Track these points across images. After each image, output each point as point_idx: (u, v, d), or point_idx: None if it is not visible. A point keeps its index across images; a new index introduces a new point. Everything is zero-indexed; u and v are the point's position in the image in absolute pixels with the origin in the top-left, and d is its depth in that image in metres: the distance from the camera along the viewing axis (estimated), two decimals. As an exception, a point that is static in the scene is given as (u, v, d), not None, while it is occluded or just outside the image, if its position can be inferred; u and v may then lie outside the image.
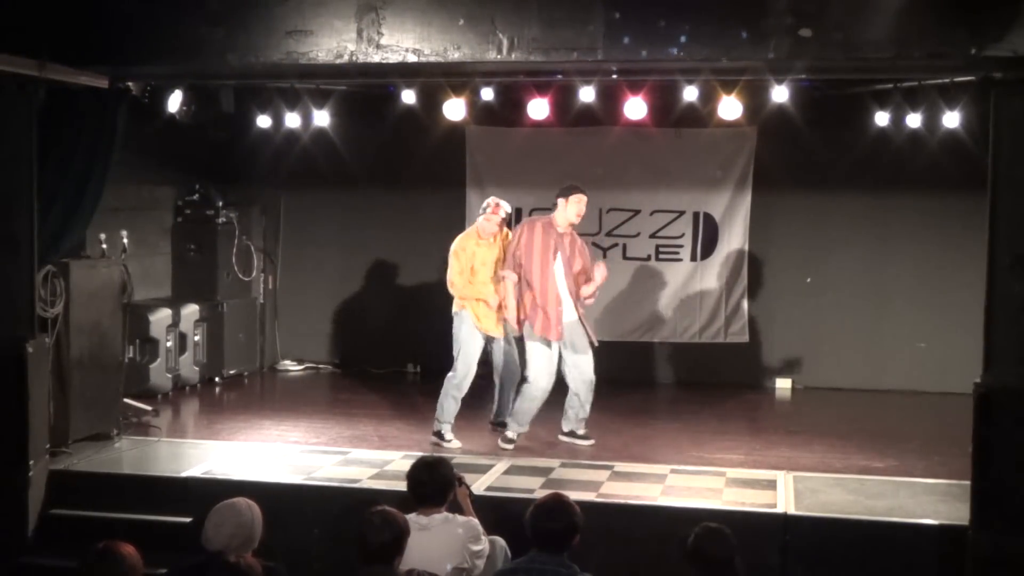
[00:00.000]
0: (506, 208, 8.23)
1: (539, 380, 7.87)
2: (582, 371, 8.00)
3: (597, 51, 6.38)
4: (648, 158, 10.91)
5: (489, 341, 8.16)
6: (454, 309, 8.13)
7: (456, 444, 7.92)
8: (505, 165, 11.09)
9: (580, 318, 7.99)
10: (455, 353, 8.06)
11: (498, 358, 8.26)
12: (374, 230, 11.36)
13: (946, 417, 8.84)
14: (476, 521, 5.38)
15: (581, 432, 8.11)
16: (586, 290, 7.97)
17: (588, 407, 8.09)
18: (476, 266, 8.07)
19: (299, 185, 11.58)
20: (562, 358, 7.97)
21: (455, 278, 8.06)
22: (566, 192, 8.00)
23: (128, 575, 4.06)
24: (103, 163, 7.52)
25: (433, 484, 5.29)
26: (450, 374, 8.04)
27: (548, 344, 7.87)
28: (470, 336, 8.05)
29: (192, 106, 8.78)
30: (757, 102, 9.12)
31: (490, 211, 8.11)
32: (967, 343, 7.18)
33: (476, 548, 5.24)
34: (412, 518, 4.93)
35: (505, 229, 8.25)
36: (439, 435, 7.96)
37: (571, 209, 7.94)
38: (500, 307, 8.02)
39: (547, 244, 7.85)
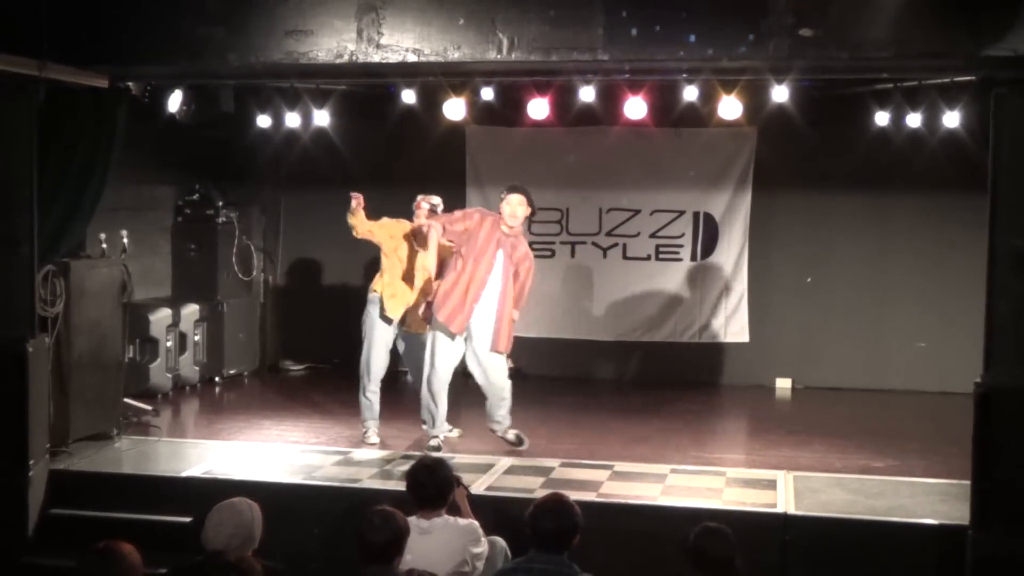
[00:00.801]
0: (431, 201, 8.14)
1: (439, 371, 7.66)
2: (487, 373, 7.74)
3: (597, 51, 6.39)
4: (648, 158, 10.92)
5: (398, 335, 8.18)
6: (369, 292, 8.19)
7: (375, 440, 7.97)
8: (505, 165, 11.09)
9: (500, 322, 7.67)
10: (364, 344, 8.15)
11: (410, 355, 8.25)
12: (374, 230, 11.35)
13: (946, 417, 8.84)
14: (476, 523, 5.37)
15: (509, 436, 7.85)
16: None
17: (503, 410, 7.82)
18: (401, 253, 8.09)
19: (299, 185, 11.58)
20: (471, 358, 7.77)
21: (368, 223, 8.09)
22: (503, 191, 7.80)
23: (128, 575, 4.06)
24: (103, 163, 7.52)
25: (433, 486, 5.27)
26: (361, 370, 8.13)
27: (451, 336, 7.63)
28: (375, 326, 8.08)
29: (192, 106, 8.78)
30: (757, 102, 9.12)
31: (414, 206, 8.16)
32: (967, 343, 7.19)
33: (476, 551, 5.24)
34: (413, 521, 4.92)
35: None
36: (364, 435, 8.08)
37: (504, 209, 7.68)
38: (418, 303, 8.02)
39: (491, 236, 7.61)
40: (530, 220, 8.34)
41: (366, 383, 8.10)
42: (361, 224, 8.11)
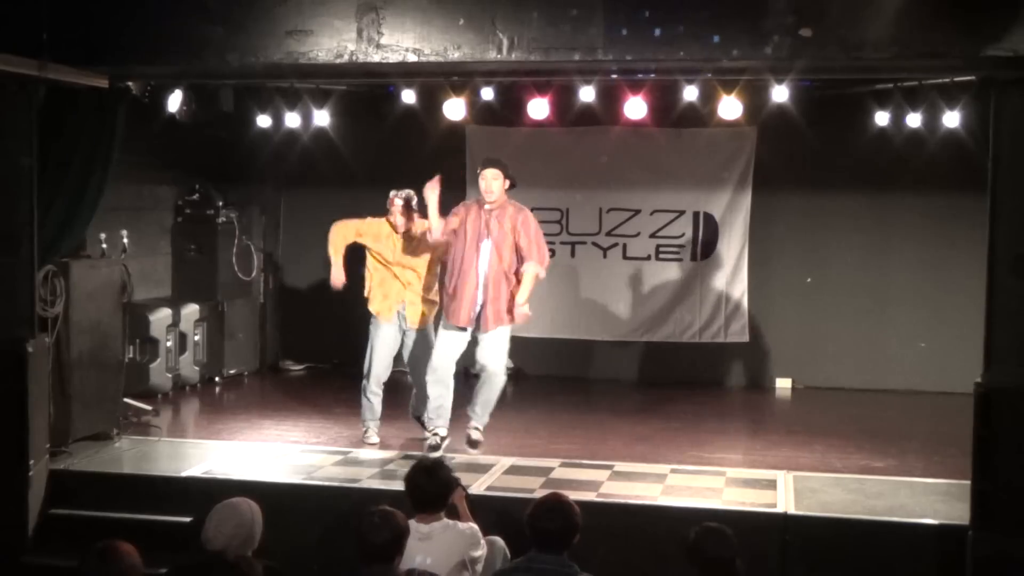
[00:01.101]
0: (403, 196, 8.06)
1: (434, 360, 7.59)
2: (481, 352, 7.58)
3: (597, 51, 6.38)
4: (648, 158, 10.92)
5: (406, 333, 8.15)
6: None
7: (374, 440, 7.99)
8: (505, 165, 11.09)
9: (492, 303, 7.47)
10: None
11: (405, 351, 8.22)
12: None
13: (946, 417, 8.84)
14: (476, 527, 5.36)
15: (472, 434, 7.60)
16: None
17: (479, 404, 7.57)
18: (387, 254, 8.04)
19: (299, 185, 11.58)
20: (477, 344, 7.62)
21: (341, 225, 8.15)
22: (479, 167, 7.72)
23: (128, 574, 4.06)
24: (103, 163, 7.52)
25: (432, 488, 5.25)
26: (364, 370, 8.13)
27: (458, 328, 7.55)
28: (377, 328, 8.08)
29: (192, 106, 8.79)
30: (757, 102, 9.13)
31: (388, 203, 8.10)
32: (967, 343, 7.19)
33: (476, 554, 5.23)
34: (412, 526, 4.91)
35: (424, 222, 8.05)
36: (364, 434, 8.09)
37: (480, 185, 7.60)
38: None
39: (477, 222, 7.54)
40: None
41: (367, 384, 8.10)
42: (344, 239, 8.13)
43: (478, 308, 7.51)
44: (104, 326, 8.05)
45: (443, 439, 7.64)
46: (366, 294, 8.14)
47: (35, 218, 7.03)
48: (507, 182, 7.60)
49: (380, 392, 8.11)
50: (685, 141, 10.83)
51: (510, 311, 7.54)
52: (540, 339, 11.07)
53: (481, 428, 7.64)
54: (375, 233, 8.13)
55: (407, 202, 8.07)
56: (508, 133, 10.94)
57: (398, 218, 8.07)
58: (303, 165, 11.08)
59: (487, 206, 7.56)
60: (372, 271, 8.15)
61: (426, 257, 8.04)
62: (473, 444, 7.64)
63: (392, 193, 8.17)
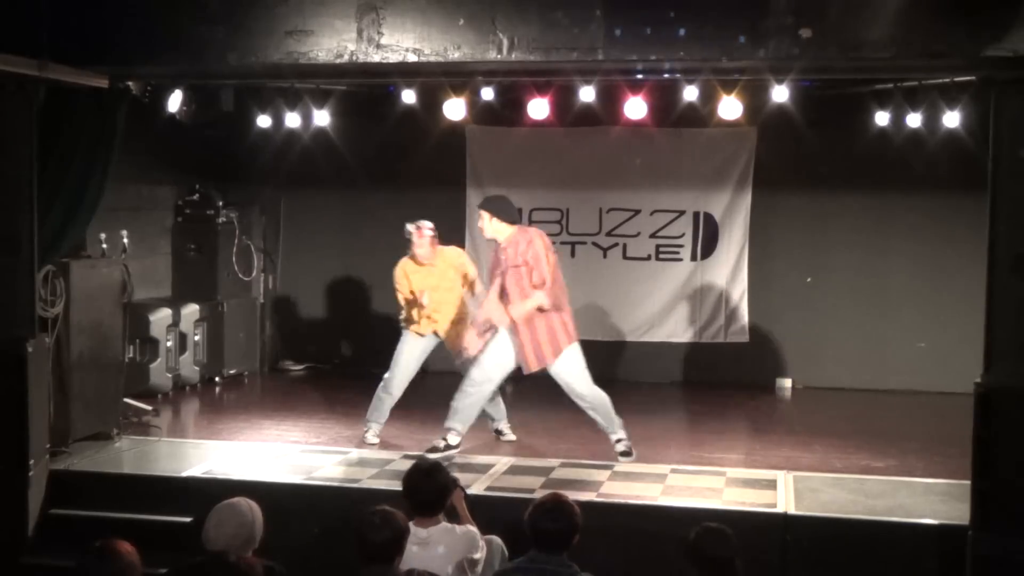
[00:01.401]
0: (428, 227, 7.99)
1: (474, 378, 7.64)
2: (566, 388, 7.65)
3: (597, 51, 6.38)
4: (648, 158, 10.92)
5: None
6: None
7: (374, 440, 8.00)
8: (505, 165, 11.10)
9: (524, 342, 7.48)
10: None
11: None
12: (374, 230, 11.34)
13: (946, 417, 8.83)
14: (475, 529, 5.34)
15: (618, 447, 7.65)
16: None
17: (602, 421, 7.68)
18: (418, 284, 8.03)
19: (299, 185, 11.58)
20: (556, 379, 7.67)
21: (402, 303, 8.14)
22: None
23: (125, 573, 4.05)
24: (103, 163, 7.52)
25: (430, 490, 5.23)
26: (386, 374, 8.13)
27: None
28: (407, 342, 8.11)
29: (192, 106, 8.79)
30: (757, 102, 9.13)
31: (416, 236, 7.95)
32: (967, 343, 7.19)
33: (476, 556, 5.21)
34: (411, 529, 4.89)
35: (444, 249, 8.11)
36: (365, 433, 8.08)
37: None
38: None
39: (495, 265, 7.60)
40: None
41: (384, 385, 8.10)
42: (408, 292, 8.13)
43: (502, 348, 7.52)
44: (104, 326, 8.06)
45: (450, 447, 7.62)
46: (402, 317, 8.19)
47: (35, 218, 7.03)
48: (496, 218, 7.48)
49: (394, 399, 8.10)
50: (685, 141, 10.83)
51: (550, 330, 7.51)
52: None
53: (623, 437, 7.62)
54: (399, 277, 8.11)
55: (434, 232, 7.99)
56: (508, 133, 10.95)
57: (427, 249, 7.97)
58: (303, 165, 11.08)
59: (501, 243, 7.52)
60: (405, 303, 8.13)
61: (456, 285, 8.07)
62: (624, 454, 7.60)
63: (416, 224, 7.97)
